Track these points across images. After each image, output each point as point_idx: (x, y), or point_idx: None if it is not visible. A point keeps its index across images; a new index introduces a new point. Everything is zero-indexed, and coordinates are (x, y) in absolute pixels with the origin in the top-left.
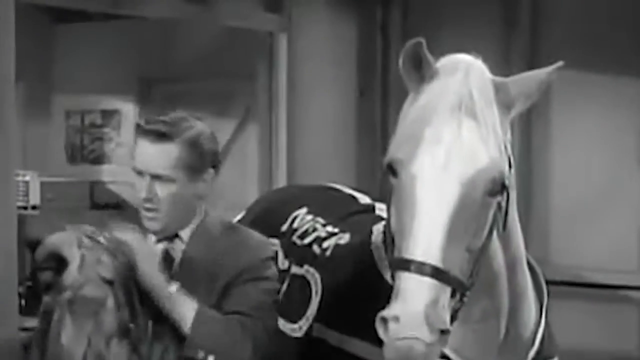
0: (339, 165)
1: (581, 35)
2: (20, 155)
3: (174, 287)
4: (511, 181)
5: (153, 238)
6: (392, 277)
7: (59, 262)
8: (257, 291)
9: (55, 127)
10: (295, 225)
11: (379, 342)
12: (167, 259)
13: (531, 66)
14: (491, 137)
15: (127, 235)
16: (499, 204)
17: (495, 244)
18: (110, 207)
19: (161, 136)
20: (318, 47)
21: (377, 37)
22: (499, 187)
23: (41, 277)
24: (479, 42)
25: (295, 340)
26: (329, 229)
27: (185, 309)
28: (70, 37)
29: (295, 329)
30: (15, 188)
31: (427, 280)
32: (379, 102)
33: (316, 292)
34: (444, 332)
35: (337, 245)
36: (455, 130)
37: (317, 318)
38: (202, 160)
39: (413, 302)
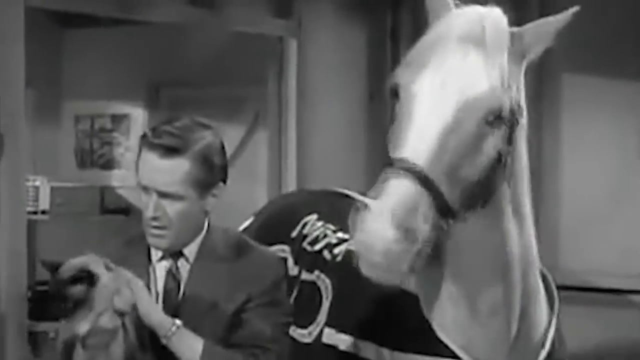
0: (348, 170)
1: (591, 40)
2: (29, 160)
3: (178, 323)
4: (520, 134)
5: (157, 255)
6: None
7: (89, 278)
8: (269, 321)
9: (64, 132)
10: (305, 231)
11: (391, 345)
12: (172, 281)
13: (540, 73)
14: (496, 69)
15: (128, 274)
16: (499, 146)
17: (511, 227)
18: (120, 211)
19: (170, 151)
20: (328, 52)
21: (387, 42)
22: (495, 115)
23: (71, 292)
24: None
25: (305, 346)
26: (340, 235)
27: (192, 346)
28: (79, 42)
29: (305, 335)
30: (25, 193)
31: (407, 180)
32: (389, 106)
33: (327, 297)
34: (410, 232)
35: (348, 252)
36: (459, 56)
37: (328, 323)
38: (212, 174)
39: (386, 197)
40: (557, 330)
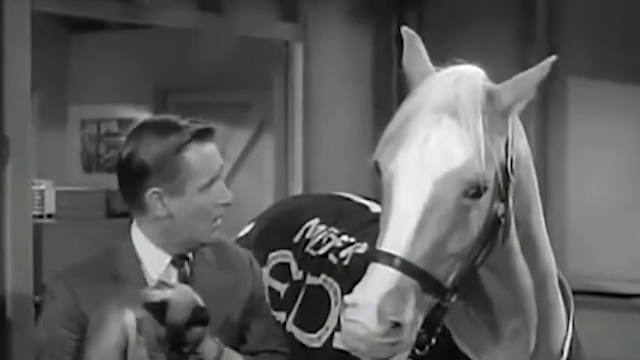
0: (354, 175)
1: (598, 46)
2: (36, 165)
3: (222, 346)
4: (523, 188)
5: (167, 260)
6: None
7: (201, 315)
8: (275, 323)
9: (71, 136)
10: (308, 236)
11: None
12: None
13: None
14: (470, 139)
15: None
16: (492, 214)
17: (520, 263)
18: (126, 215)
19: (211, 132)
20: (334, 57)
21: (393, 47)
22: (476, 190)
23: (191, 338)
24: (495, 55)
25: (314, 351)
26: (345, 238)
27: None
28: (86, 47)
29: (314, 339)
30: (31, 197)
31: (391, 271)
32: (395, 113)
33: (336, 302)
34: (398, 325)
35: (355, 255)
36: (433, 129)
37: (339, 329)
38: None
39: (370, 290)
40: (575, 336)
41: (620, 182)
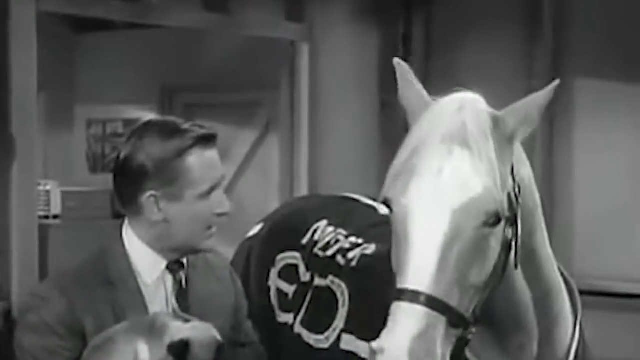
0: (361, 175)
1: (605, 47)
2: (41, 165)
3: None
4: (526, 212)
5: (162, 264)
6: None
7: (223, 351)
8: (260, 350)
9: (76, 137)
10: (316, 237)
11: None
12: (180, 292)
13: (554, 75)
14: (484, 167)
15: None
16: (506, 240)
17: (520, 281)
18: None
19: (214, 139)
20: (340, 57)
21: (399, 47)
22: (495, 218)
23: None
24: (501, 54)
25: (322, 352)
26: (353, 239)
27: None
28: (92, 47)
29: (322, 340)
30: (37, 197)
31: (418, 309)
32: (401, 112)
33: (343, 303)
34: None
35: (363, 256)
36: (445, 160)
37: (346, 329)
38: None
39: (399, 334)
40: (582, 339)
41: (627, 183)
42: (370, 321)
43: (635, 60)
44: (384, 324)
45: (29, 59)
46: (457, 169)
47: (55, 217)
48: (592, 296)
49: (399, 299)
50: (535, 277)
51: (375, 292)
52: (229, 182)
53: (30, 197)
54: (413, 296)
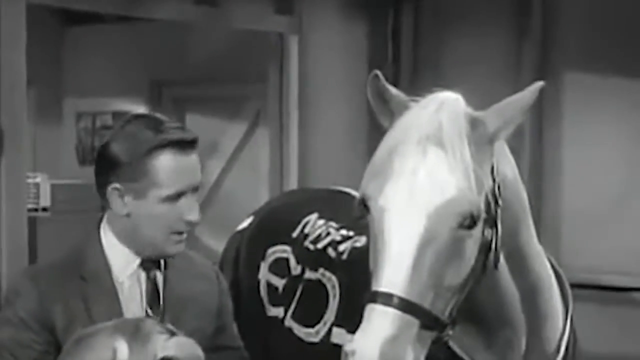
0: (350, 168)
1: (593, 41)
2: (31, 157)
3: None
4: (509, 212)
5: (136, 261)
6: None
7: None
8: (244, 354)
9: (66, 129)
10: (306, 230)
11: None
12: (154, 291)
13: (541, 67)
14: (460, 168)
15: None
16: (485, 241)
17: (505, 277)
18: None
19: (193, 144)
20: (329, 49)
21: (388, 39)
22: (471, 220)
23: None
24: (490, 48)
25: (312, 345)
26: (344, 232)
27: None
28: (81, 40)
29: (312, 334)
30: (26, 190)
31: (391, 312)
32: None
33: (334, 296)
34: None
35: (354, 248)
36: (420, 160)
37: (337, 323)
38: None
39: (371, 337)
40: (572, 333)
41: (615, 176)
42: (360, 315)
43: (624, 55)
44: None
45: (17, 52)
46: (431, 170)
47: (44, 209)
48: (580, 289)
49: (372, 301)
50: (521, 273)
51: (365, 285)
52: (217, 176)
53: (19, 190)
54: (386, 299)
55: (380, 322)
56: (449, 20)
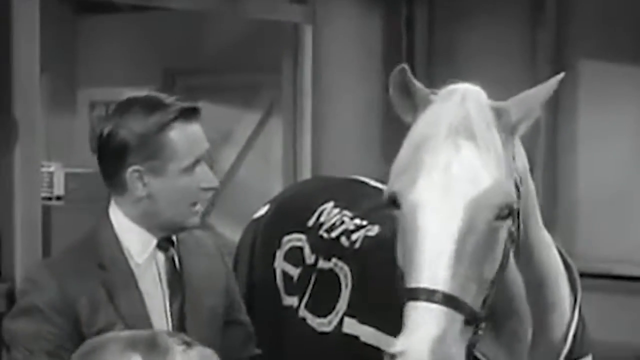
0: (364, 158)
1: (608, 29)
2: (45, 146)
3: None
4: (523, 204)
5: (153, 243)
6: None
7: None
8: (251, 330)
9: (79, 118)
10: (322, 219)
11: None
12: (174, 272)
13: (556, 58)
14: (492, 159)
15: None
16: (510, 231)
17: (512, 268)
18: None
19: (196, 113)
20: (343, 39)
21: (402, 29)
22: (507, 210)
23: None
24: (504, 37)
25: (324, 335)
26: (357, 221)
27: None
28: (94, 29)
29: (324, 323)
30: (40, 179)
31: (436, 308)
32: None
33: (346, 285)
34: None
35: (366, 237)
36: (453, 154)
37: (348, 313)
38: None
39: (418, 336)
40: (581, 323)
41: (630, 166)
42: (371, 304)
43: (639, 44)
44: (384, 307)
45: (31, 41)
46: (465, 162)
47: (58, 198)
48: (593, 278)
49: (413, 298)
50: (528, 264)
51: (376, 275)
52: (231, 165)
53: (33, 179)
54: (429, 295)
55: (426, 319)
56: (463, 12)
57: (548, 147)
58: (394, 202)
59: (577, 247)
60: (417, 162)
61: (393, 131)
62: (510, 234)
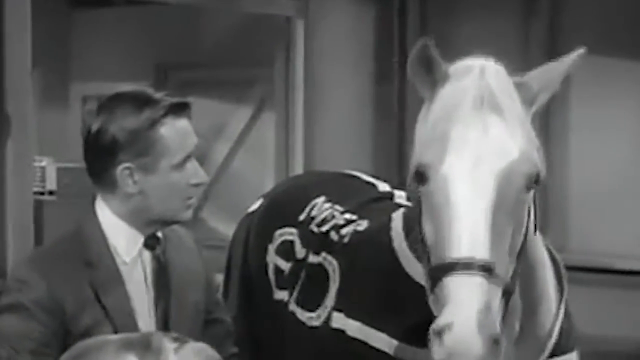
0: (356, 152)
1: (601, 24)
2: (37, 141)
3: None
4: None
5: (140, 240)
6: (432, 290)
7: None
8: (230, 328)
9: (72, 113)
10: (313, 213)
11: (396, 334)
12: (159, 269)
13: (550, 49)
14: (518, 129)
15: None
16: (529, 205)
17: None
18: None
19: (185, 108)
20: (336, 34)
21: (394, 23)
22: (535, 179)
23: None
24: (497, 28)
25: (313, 330)
26: (347, 216)
27: None
28: (87, 23)
29: (313, 318)
30: (32, 174)
31: (478, 280)
32: (396, 89)
33: (334, 280)
34: (496, 341)
35: (355, 232)
36: (480, 127)
37: (336, 307)
38: None
39: (465, 308)
40: (567, 319)
41: (623, 159)
42: (357, 299)
43: (633, 36)
44: (370, 302)
45: (23, 35)
46: (493, 134)
47: (50, 193)
48: (587, 272)
49: (451, 270)
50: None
51: (363, 269)
52: (223, 159)
53: (25, 174)
54: (467, 265)
55: (469, 291)
56: (456, 4)
57: (540, 140)
58: (421, 176)
59: (570, 242)
60: (443, 136)
61: (385, 125)
62: (529, 206)
